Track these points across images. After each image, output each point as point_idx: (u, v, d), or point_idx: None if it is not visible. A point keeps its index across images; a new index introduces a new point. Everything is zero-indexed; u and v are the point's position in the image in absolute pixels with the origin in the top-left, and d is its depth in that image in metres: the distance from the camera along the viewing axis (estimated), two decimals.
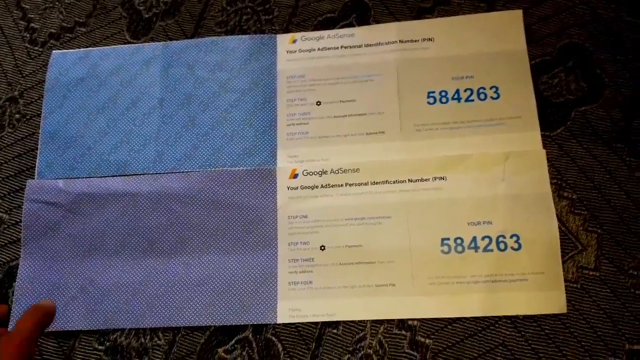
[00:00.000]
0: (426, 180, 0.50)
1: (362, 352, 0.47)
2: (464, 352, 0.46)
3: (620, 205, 0.48)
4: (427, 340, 0.46)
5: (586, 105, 0.50)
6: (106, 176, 0.53)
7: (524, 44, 0.52)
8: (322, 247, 0.49)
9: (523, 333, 0.45)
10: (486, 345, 0.46)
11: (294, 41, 0.56)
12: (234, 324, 0.48)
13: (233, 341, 0.48)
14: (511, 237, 0.47)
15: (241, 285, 0.49)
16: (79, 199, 0.53)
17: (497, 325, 0.46)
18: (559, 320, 0.45)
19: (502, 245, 0.47)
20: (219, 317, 0.48)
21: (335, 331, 0.47)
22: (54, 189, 0.53)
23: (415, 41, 0.54)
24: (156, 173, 0.53)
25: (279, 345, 0.48)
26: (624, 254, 0.46)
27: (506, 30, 0.53)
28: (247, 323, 0.48)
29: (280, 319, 0.48)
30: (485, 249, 0.47)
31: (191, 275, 0.50)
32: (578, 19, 0.53)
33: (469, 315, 0.46)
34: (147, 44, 0.58)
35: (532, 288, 0.46)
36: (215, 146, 0.53)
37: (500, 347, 0.45)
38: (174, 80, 0.56)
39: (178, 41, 0.57)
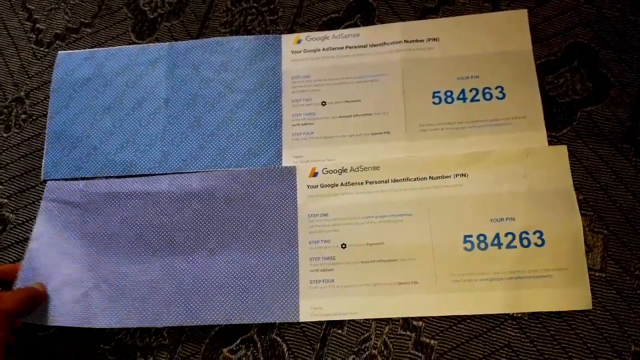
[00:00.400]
0: (447, 177, 0.50)
1: (367, 353, 0.47)
2: (469, 353, 0.46)
3: (626, 206, 0.47)
4: (432, 341, 0.46)
5: (592, 106, 0.50)
6: (123, 176, 0.54)
7: (530, 43, 0.52)
8: (344, 245, 0.49)
9: (528, 334, 0.45)
10: (491, 346, 0.45)
11: (299, 41, 0.56)
12: (256, 322, 0.48)
13: (238, 341, 0.48)
14: (534, 233, 0.47)
15: (262, 285, 0.49)
16: (97, 198, 0.53)
17: (502, 327, 0.46)
18: (564, 322, 0.45)
19: (525, 242, 0.47)
20: (239, 316, 0.48)
21: (340, 331, 0.47)
22: (74, 190, 0.53)
23: (421, 41, 0.54)
24: (164, 173, 0.53)
25: (284, 346, 0.48)
26: (630, 255, 0.46)
27: (511, 30, 0.53)
28: (269, 321, 0.48)
29: (303, 318, 0.48)
30: (509, 246, 0.47)
31: (211, 274, 0.49)
32: (583, 18, 0.52)
33: (492, 313, 0.46)
34: (152, 44, 0.58)
35: (557, 284, 0.46)
36: (220, 146, 0.53)
37: (506, 348, 0.45)
38: (180, 81, 0.56)
39: (183, 42, 0.57)
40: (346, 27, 0.56)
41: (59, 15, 0.62)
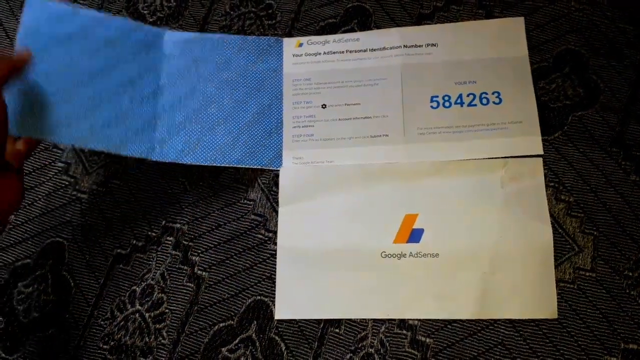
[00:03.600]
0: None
1: (364, 351, 0.47)
2: (464, 351, 0.47)
3: (615, 208, 0.49)
4: (428, 340, 0.47)
5: (583, 110, 0.52)
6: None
7: (526, 49, 0.53)
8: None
9: (521, 333, 0.46)
10: (485, 344, 0.47)
11: (300, 45, 0.57)
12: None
13: (237, 340, 0.49)
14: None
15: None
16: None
17: (495, 325, 0.47)
18: (556, 321, 0.46)
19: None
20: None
21: (337, 330, 0.48)
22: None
23: (419, 46, 0.55)
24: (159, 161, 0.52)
25: (282, 345, 0.48)
26: (620, 255, 0.48)
27: (508, 37, 0.54)
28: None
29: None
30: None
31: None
32: (574, 26, 0.54)
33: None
34: (149, 26, 0.55)
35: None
36: (219, 143, 0.53)
37: (499, 347, 0.46)
38: (177, 70, 0.55)
39: (183, 32, 0.58)
40: (343, 32, 0.57)
41: None
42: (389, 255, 0.50)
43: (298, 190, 0.53)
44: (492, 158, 0.51)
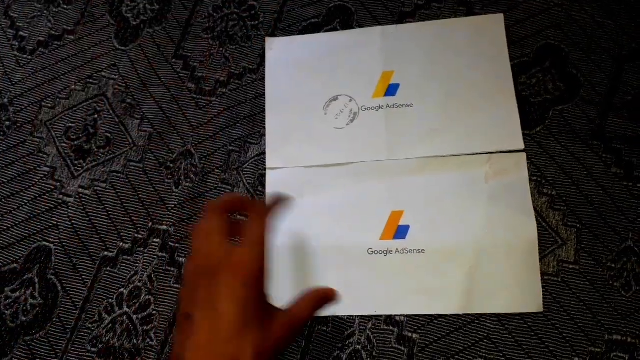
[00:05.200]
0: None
1: (352, 348, 0.48)
2: (450, 345, 0.47)
3: (597, 201, 0.49)
4: (414, 335, 0.47)
5: (563, 105, 0.52)
6: None
7: (506, 46, 0.54)
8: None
9: (507, 326, 0.47)
10: (471, 338, 0.47)
11: None
12: None
13: None
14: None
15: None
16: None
17: (481, 320, 0.47)
18: (540, 314, 0.47)
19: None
20: None
21: (325, 328, 0.48)
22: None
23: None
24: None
25: None
26: (602, 247, 0.48)
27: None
28: None
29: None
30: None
31: None
32: (554, 21, 0.54)
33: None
34: None
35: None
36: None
37: (485, 341, 0.47)
38: None
39: None
40: (325, 31, 0.57)
41: (41, 22, 0.62)
42: (376, 252, 0.50)
43: (284, 189, 0.53)
44: (476, 154, 0.51)
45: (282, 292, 0.49)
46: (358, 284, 0.49)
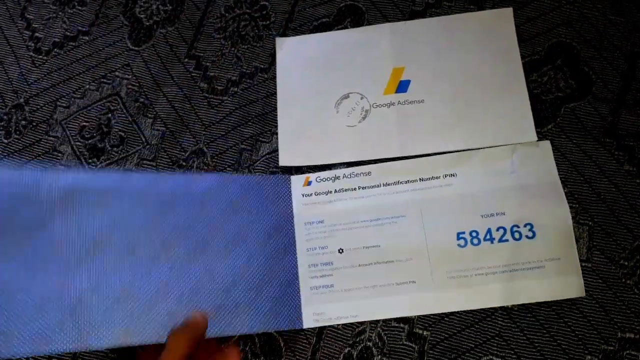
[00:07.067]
0: (437, 177, 0.51)
1: (362, 345, 0.48)
2: (461, 343, 0.47)
3: (610, 198, 0.49)
4: (425, 332, 0.47)
5: (575, 102, 0.52)
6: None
7: (516, 41, 0.54)
8: (340, 250, 0.50)
9: (518, 324, 0.47)
10: (483, 336, 0.47)
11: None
12: (262, 331, 0.48)
13: (236, 337, 0.49)
14: (525, 225, 0.48)
15: (267, 292, 0.48)
16: (70, 194, 0.43)
17: (493, 317, 0.47)
18: (552, 311, 0.47)
19: (516, 235, 0.48)
20: (247, 325, 0.47)
21: (335, 326, 0.49)
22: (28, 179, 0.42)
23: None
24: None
25: (281, 340, 0.49)
26: (615, 245, 0.48)
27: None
28: (275, 329, 0.48)
29: (306, 324, 0.48)
30: (501, 240, 0.48)
31: (216, 281, 0.47)
32: (565, 18, 0.54)
33: (489, 306, 0.47)
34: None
35: (550, 274, 0.47)
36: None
37: (497, 338, 0.47)
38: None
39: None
40: (337, 29, 0.58)
41: (57, 24, 0.63)
42: None
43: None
44: (493, 147, 0.51)
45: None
46: None
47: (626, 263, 0.47)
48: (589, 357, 0.45)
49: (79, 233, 0.42)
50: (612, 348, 0.45)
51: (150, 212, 0.46)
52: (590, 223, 0.48)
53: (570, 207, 0.49)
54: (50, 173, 0.42)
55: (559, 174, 0.50)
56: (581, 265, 0.47)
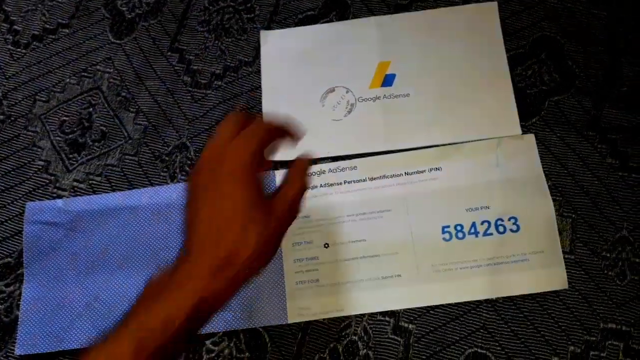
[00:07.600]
0: (422, 172, 0.51)
1: (348, 339, 0.48)
2: (446, 335, 0.47)
3: (593, 191, 0.49)
4: (410, 326, 0.47)
5: (559, 95, 0.52)
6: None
7: (501, 34, 0.54)
8: (326, 245, 0.50)
9: (503, 316, 0.47)
10: (467, 328, 0.47)
11: None
12: (246, 327, 0.48)
13: (220, 333, 0.49)
14: (509, 219, 0.49)
15: (252, 287, 0.49)
16: (79, 217, 0.53)
17: (477, 309, 0.47)
18: (536, 303, 0.47)
19: (500, 228, 0.49)
20: (230, 322, 0.48)
21: (321, 320, 0.48)
22: (53, 209, 0.53)
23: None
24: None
25: (266, 336, 0.49)
26: (598, 237, 0.48)
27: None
28: (258, 325, 0.48)
29: (291, 319, 0.48)
30: (485, 233, 0.49)
31: None
32: (549, 13, 0.54)
33: (474, 299, 0.47)
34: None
35: (534, 267, 0.47)
36: None
37: (481, 330, 0.47)
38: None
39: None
40: (322, 23, 0.57)
41: (35, 16, 0.62)
42: None
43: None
44: (478, 140, 0.51)
45: None
46: None
47: (608, 255, 0.48)
48: (572, 347, 0.46)
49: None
50: (594, 339, 0.46)
51: (135, 226, 0.52)
52: (573, 216, 0.49)
53: (554, 200, 0.49)
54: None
55: (543, 167, 0.50)
56: (564, 258, 0.48)
